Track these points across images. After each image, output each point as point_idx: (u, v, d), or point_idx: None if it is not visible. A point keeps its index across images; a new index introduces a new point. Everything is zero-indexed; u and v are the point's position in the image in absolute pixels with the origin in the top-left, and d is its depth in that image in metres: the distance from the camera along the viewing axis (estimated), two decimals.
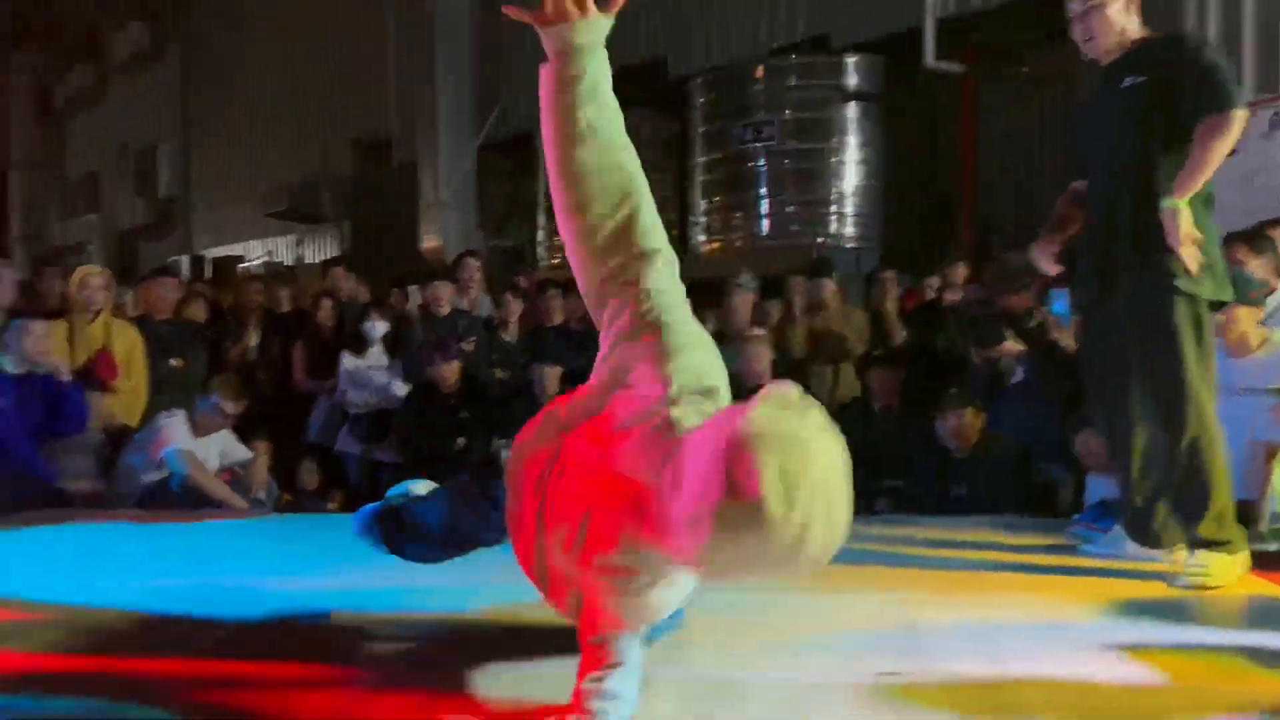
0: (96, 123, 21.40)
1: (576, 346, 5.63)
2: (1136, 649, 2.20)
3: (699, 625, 2.37)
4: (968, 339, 5.03)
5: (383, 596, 2.61)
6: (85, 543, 3.54)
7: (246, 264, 14.88)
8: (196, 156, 17.94)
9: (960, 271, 5.81)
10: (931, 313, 5.73)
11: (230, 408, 4.58)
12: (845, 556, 3.00)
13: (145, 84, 19.13)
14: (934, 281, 6.11)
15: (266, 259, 14.82)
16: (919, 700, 1.91)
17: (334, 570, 2.89)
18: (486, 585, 2.51)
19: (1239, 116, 2.66)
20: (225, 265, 14.53)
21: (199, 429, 4.54)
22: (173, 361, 5.58)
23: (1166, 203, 2.65)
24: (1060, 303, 3.80)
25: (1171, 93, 2.73)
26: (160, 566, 3.11)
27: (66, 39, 21.64)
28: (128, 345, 5.27)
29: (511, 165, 11.67)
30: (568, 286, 6.13)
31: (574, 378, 5.32)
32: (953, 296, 5.56)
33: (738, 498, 1.21)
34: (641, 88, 9.62)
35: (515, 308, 5.99)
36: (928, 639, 2.31)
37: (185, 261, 15.05)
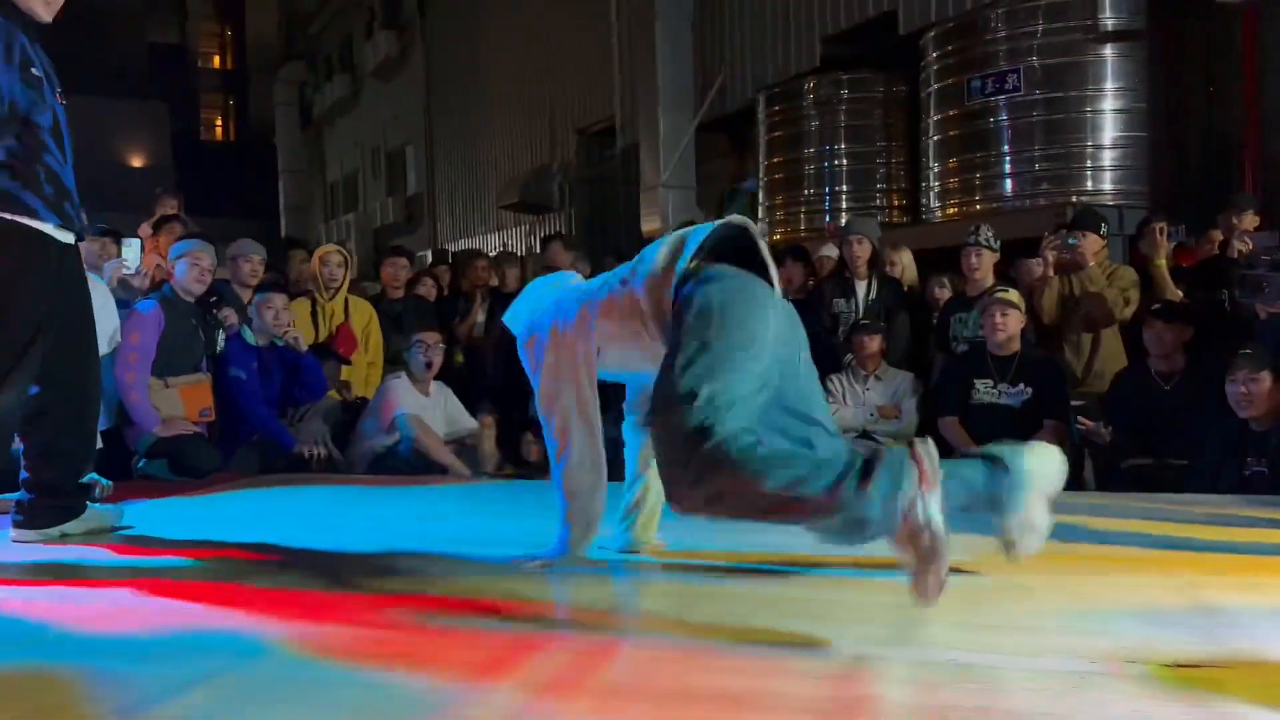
0: (350, 128, 23.04)
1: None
2: None
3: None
4: (1245, 292, 4.29)
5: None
6: (315, 501, 3.62)
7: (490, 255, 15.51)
8: (440, 156, 18.91)
9: (1248, 219, 5.02)
10: (1215, 268, 4.98)
11: (430, 338, 4.64)
12: (1119, 536, 2.65)
13: (393, 90, 20.37)
14: (1217, 235, 5.33)
15: (500, 250, 15.35)
16: (1221, 689, 1.52)
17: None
18: None
19: None
20: (464, 257, 15.18)
21: (419, 382, 4.61)
22: (405, 336, 5.74)
23: None
24: None
25: None
26: (381, 525, 3.11)
27: (323, 53, 23.39)
28: (365, 321, 5.48)
29: (730, 143, 11.47)
30: (779, 258, 5.83)
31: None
32: (1243, 247, 4.79)
33: None
34: (869, 47, 9.18)
35: None
36: (1224, 624, 1.87)
37: (429, 256, 15.88)
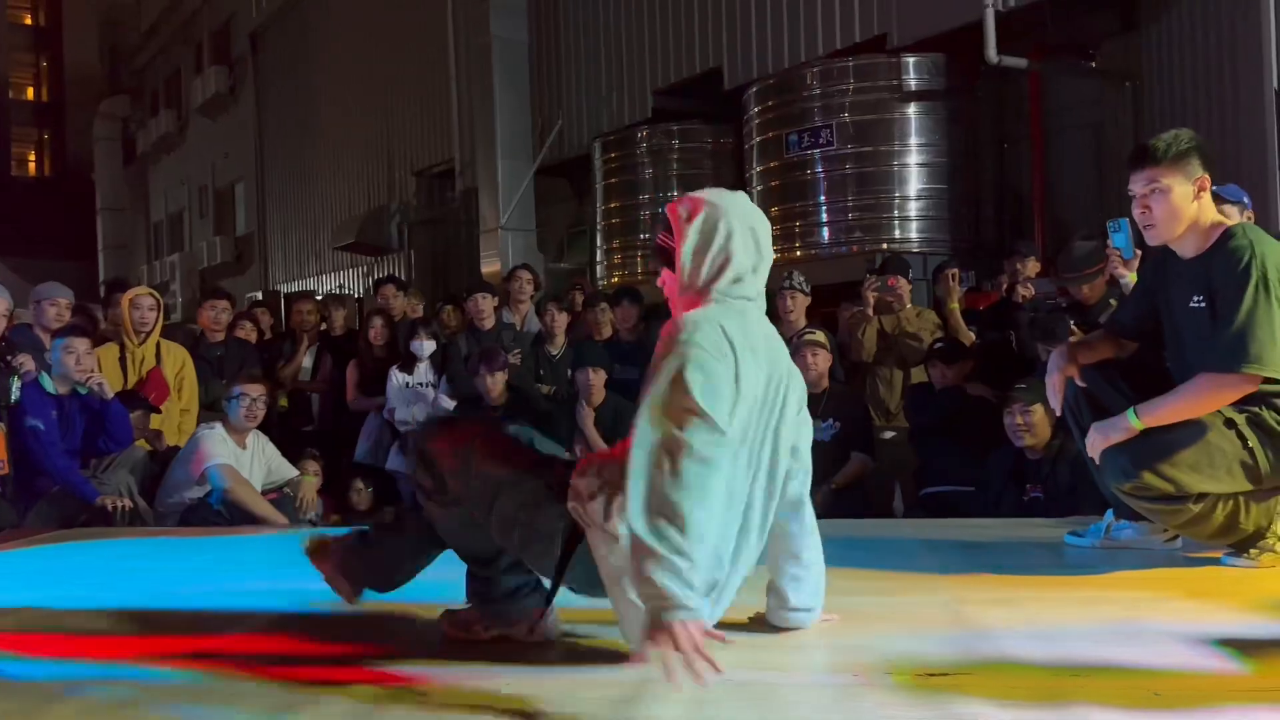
0: (176, 165, 22.14)
1: (623, 357, 5.47)
2: (1219, 640, 1.94)
3: (725, 624, 2.17)
4: (1034, 335, 4.70)
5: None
6: (120, 556, 3.47)
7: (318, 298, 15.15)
8: (272, 195, 18.41)
9: (1031, 266, 5.49)
10: (1006, 310, 5.42)
11: (254, 391, 4.50)
12: (902, 558, 2.85)
13: (223, 126, 19.74)
14: (1003, 280, 5.80)
15: (331, 291, 15.04)
16: (962, 692, 1.69)
17: None
18: None
19: (1245, 382, 2.46)
20: (292, 299, 14.79)
21: (236, 434, 4.47)
22: (224, 382, 5.57)
23: (1131, 416, 2.53)
24: (1121, 235, 3.45)
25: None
26: (192, 577, 3.02)
27: (149, 87, 22.47)
28: (178, 366, 5.29)
29: (570, 188, 11.67)
30: (614, 299, 6.00)
31: (620, 387, 5.15)
32: (1026, 292, 5.24)
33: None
34: (697, 100, 9.57)
35: (561, 320, 5.86)
36: (976, 636, 2.06)
37: (260, 296, 15.38)
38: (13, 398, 4.22)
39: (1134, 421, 2.54)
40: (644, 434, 1.73)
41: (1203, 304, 2.55)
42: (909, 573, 2.74)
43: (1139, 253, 3.69)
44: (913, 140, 7.59)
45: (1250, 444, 2.49)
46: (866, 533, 3.51)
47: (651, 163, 9.31)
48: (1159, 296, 2.74)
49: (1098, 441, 2.61)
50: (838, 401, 4.77)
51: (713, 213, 1.93)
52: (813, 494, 4.61)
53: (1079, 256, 4.33)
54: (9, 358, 4.30)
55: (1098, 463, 2.64)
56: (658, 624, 1.62)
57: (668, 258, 1.97)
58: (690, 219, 1.94)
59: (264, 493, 4.53)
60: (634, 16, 10.16)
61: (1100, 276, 4.26)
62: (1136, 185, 2.60)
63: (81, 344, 4.47)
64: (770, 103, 8.10)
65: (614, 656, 1.93)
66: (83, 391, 4.45)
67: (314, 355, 6.37)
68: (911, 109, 7.59)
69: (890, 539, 3.38)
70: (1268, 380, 2.48)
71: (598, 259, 9.87)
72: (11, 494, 4.20)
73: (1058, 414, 2.86)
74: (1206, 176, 2.58)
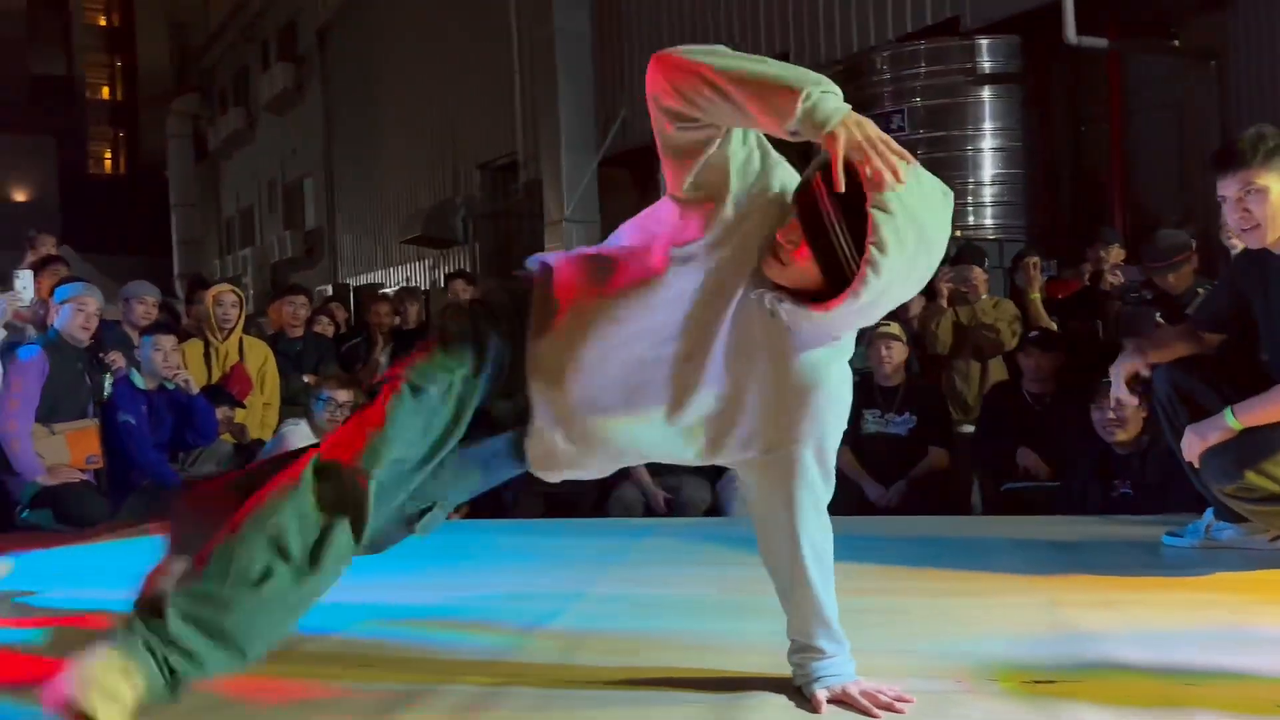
0: (246, 161, 22.61)
1: None
2: None
3: None
4: (1118, 329, 4.58)
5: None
6: None
7: (386, 290, 15.38)
8: (339, 189, 18.70)
9: (1115, 253, 5.34)
10: (1086, 299, 5.28)
11: (342, 396, 4.56)
12: (990, 557, 2.80)
13: (290, 122, 20.10)
14: (1087, 268, 5.65)
15: (403, 285, 15.23)
16: (1071, 700, 1.65)
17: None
18: None
19: None
20: (366, 292, 15.03)
21: (320, 432, 4.55)
22: (305, 377, 5.68)
23: (1229, 416, 2.49)
24: None
25: None
26: None
27: (218, 84, 22.95)
28: (260, 361, 5.40)
29: (633, 179, 11.66)
30: None
31: None
32: (1114, 280, 5.10)
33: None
34: None
35: None
36: (1079, 640, 2.01)
37: (330, 290, 15.66)
38: (105, 394, 4.35)
39: (1231, 422, 2.49)
40: None
41: None
42: (1000, 573, 2.68)
43: None
44: (987, 125, 7.43)
45: None
46: (949, 531, 3.45)
47: None
48: (1255, 295, 2.66)
49: (1195, 443, 2.55)
50: (914, 395, 4.69)
51: None
52: (889, 489, 4.57)
53: (1166, 245, 4.20)
54: (101, 355, 4.43)
55: (1196, 466, 2.57)
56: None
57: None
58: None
59: None
60: (698, 4, 10.09)
61: (1188, 265, 4.13)
62: (1229, 189, 2.53)
63: (168, 341, 4.59)
64: (840, 88, 7.98)
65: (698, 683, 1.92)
66: (170, 387, 4.57)
67: (389, 353, 6.46)
68: (986, 92, 7.43)
69: (975, 537, 3.31)
70: None
71: None
72: (106, 487, 4.33)
73: (1122, 400, 2.82)
74: None
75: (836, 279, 1.49)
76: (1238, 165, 2.50)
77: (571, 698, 1.77)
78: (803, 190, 1.53)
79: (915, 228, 1.45)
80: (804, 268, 1.51)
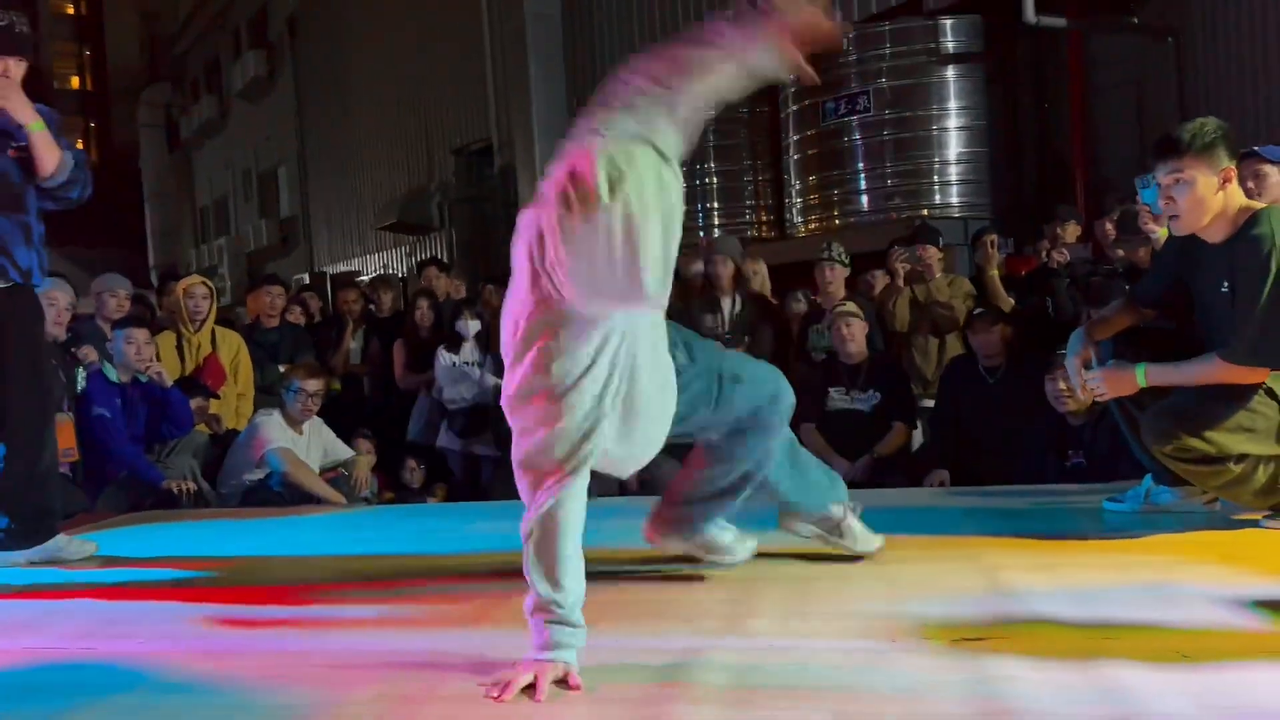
0: (220, 150, 22.44)
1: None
2: (1254, 601, 2.00)
3: (768, 593, 2.26)
4: (1080, 298, 4.69)
5: None
6: (189, 536, 3.63)
7: (362, 278, 15.38)
8: (314, 177, 18.63)
9: (1071, 230, 5.46)
10: (1044, 276, 5.40)
11: (311, 386, 4.64)
12: (943, 525, 2.91)
13: (263, 110, 19.98)
14: (1044, 245, 5.77)
15: (380, 272, 15.24)
16: (997, 654, 1.77)
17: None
18: None
19: (1253, 374, 2.56)
20: (343, 280, 15.03)
21: (293, 421, 4.62)
22: (280, 367, 5.73)
23: (1139, 371, 2.67)
24: (1150, 191, 3.53)
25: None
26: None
27: (190, 73, 22.73)
28: (233, 351, 5.45)
29: None
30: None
31: None
32: (1060, 258, 5.22)
33: (575, 181, 1.57)
34: None
35: None
36: (1012, 600, 2.12)
37: (306, 279, 15.65)
38: (79, 388, 4.40)
39: (1140, 378, 2.68)
40: None
41: (1229, 290, 2.59)
42: (949, 539, 2.80)
43: None
44: (951, 104, 7.54)
45: None
46: (908, 501, 3.57)
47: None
48: (1186, 277, 2.78)
49: (1102, 384, 2.74)
50: (877, 371, 4.80)
51: None
52: (855, 464, 4.67)
53: (1134, 218, 4.32)
54: (73, 349, 4.47)
55: (1097, 399, 2.78)
56: None
57: None
58: None
59: (321, 473, 4.68)
60: None
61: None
62: (1161, 175, 2.65)
63: (141, 334, 4.63)
64: None
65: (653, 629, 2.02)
66: (144, 380, 4.62)
67: (362, 338, 6.52)
68: (950, 72, 7.54)
69: (931, 507, 3.43)
70: None
71: None
72: (82, 480, 4.38)
73: (1080, 396, 2.95)
74: (1232, 167, 2.60)
75: None
76: (1171, 154, 2.60)
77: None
78: None
79: None
80: None
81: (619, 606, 2.21)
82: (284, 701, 1.72)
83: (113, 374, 4.52)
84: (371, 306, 6.81)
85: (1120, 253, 4.80)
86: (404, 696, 1.73)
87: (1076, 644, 1.81)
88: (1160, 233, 3.87)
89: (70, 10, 32.86)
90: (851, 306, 4.78)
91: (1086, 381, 2.78)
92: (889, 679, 1.69)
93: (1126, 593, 2.16)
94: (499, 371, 5.76)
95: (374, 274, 15.57)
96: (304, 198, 18.83)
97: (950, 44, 7.55)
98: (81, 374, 4.41)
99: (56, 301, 4.26)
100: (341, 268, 16.22)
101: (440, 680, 1.79)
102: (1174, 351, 2.75)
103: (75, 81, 33.17)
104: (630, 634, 2.02)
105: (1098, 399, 2.81)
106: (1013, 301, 5.21)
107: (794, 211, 8.32)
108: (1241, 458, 2.58)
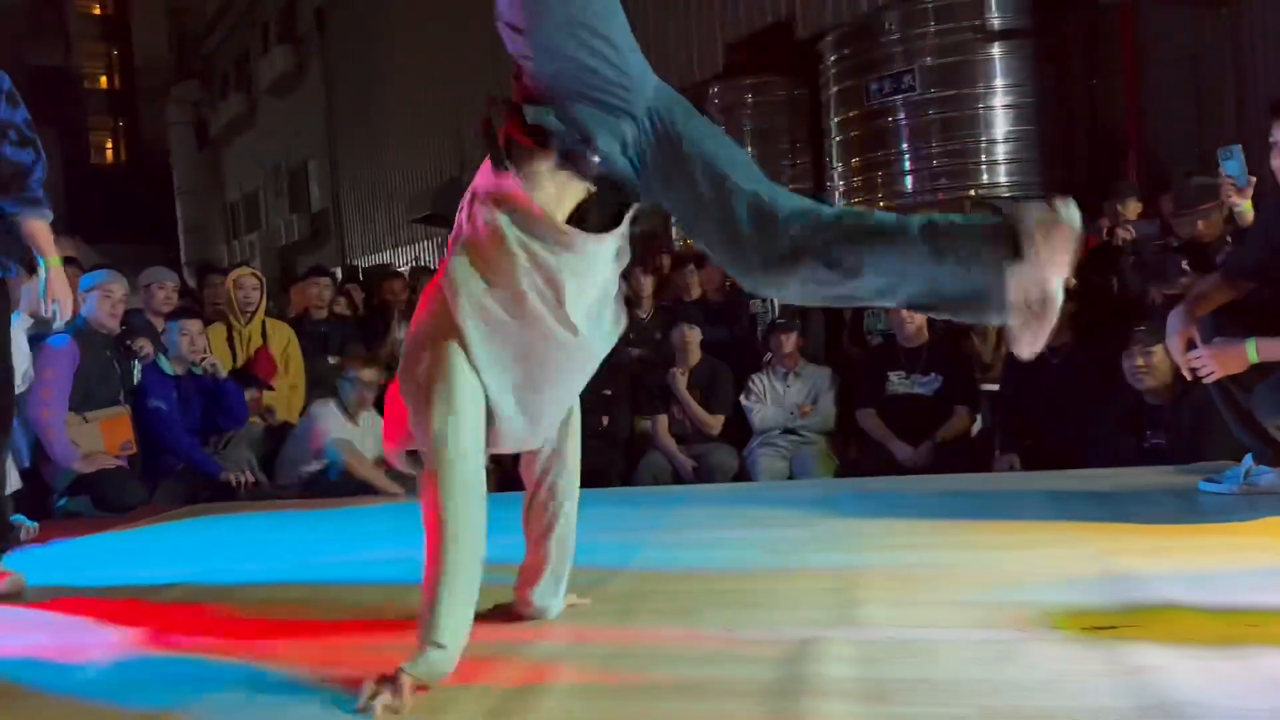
0: (249, 146, 22.51)
1: (715, 319, 5.46)
2: None
3: (871, 582, 2.18)
4: (1145, 276, 4.56)
5: None
6: (250, 529, 3.59)
7: (400, 270, 15.37)
8: (344, 171, 18.64)
9: (1131, 207, 5.31)
10: (1106, 255, 5.26)
11: (367, 375, 4.60)
12: (1028, 510, 2.81)
13: (292, 105, 20.00)
14: (1104, 223, 5.63)
15: (413, 264, 15.23)
16: (1133, 644, 1.67)
17: None
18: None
19: None
20: (376, 274, 15.02)
21: (350, 411, 4.58)
22: (330, 358, 5.69)
23: (1250, 346, 2.58)
24: (1234, 162, 3.44)
25: None
26: (318, 548, 3.12)
27: (218, 70, 22.80)
28: (284, 343, 5.41)
29: None
30: (700, 261, 5.97)
31: (713, 349, 5.15)
32: (1127, 235, 5.08)
33: None
34: (770, 53, 9.40)
35: (647, 284, 5.85)
36: (1133, 587, 2.02)
37: (339, 272, 15.65)
38: (135, 380, 4.37)
39: (1251, 354, 2.57)
40: None
41: None
42: (1042, 524, 2.70)
43: (1253, 180, 3.61)
44: (999, 81, 7.37)
45: None
46: (983, 487, 3.47)
47: (725, 119, 9.19)
48: None
49: (1210, 362, 2.64)
50: (938, 354, 4.69)
51: None
52: (918, 449, 4.57)
53: (1193, 192, 4.18)
54: (128, 342, 4.45)
55: (1204, 378, 2.65)
56: None
57: None
58: None
59: (376, 461, 4.64)
60: None
61: (1217, 212, 4.11)
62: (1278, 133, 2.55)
63: (194, 325, 4.61)
64: (847, 50, 7.93)
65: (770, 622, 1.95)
66: (197, 372, 4.59)
67: (405, 328, 6.47)
68: (996, 49, 7.36)
69: (1011, 492, 3.32)
70: None
71: (672, 220, 9.81)
72: (139, 473, 4.35)
73: (1189, 379, 2.84)
74: None
75: None
76: None
77: (636, 657, 1.79)
78: None
79: None
80: None
81: (719, 598, 2.13)
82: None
83: (167, 366, 4.49)
84: (414, 295, 6.77)
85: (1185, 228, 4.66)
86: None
87: (1219, 632, 1.71)
88: (1244, 206, 3.73)
89: (97, 10, 33.05)
90: None
91: (1190, 361, 2.67)
92: (1028, 671, 1.61)
93: (1249, 577, 2.06)
94: None
95: (408, 266, 15.57)
96: (334, 191, 18.84)
97: (996, 20, 7.37)
98: (136, 367, 4.38)
99: (113, 293, 4.24)
100: (374, 261, 16.21)
101: (544, 672, 1.72)
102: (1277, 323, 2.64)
103: (104, 81, 33.37)
104: (734, 624, 1.94)
105: (1204, 379, 2.69)
106: (1072, 281, 5.07)
107: (836, 195, 8.19)
108: None
